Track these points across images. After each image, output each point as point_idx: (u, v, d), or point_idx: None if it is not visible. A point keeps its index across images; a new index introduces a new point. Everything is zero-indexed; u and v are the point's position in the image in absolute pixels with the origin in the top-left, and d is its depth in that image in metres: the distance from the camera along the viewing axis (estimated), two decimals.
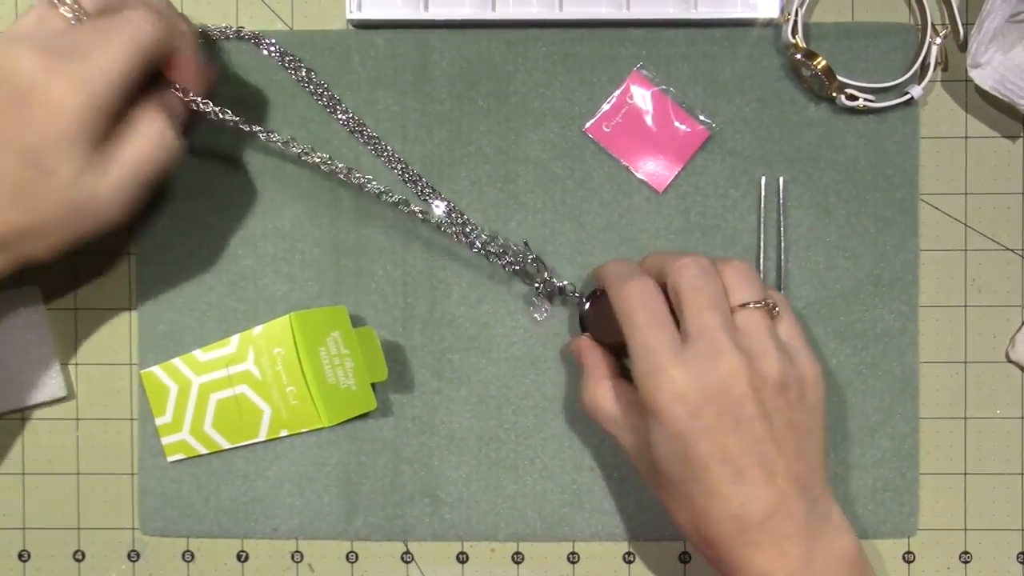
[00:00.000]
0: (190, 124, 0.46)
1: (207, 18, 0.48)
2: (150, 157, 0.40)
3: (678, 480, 0.38)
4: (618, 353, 0.44)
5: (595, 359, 0.44)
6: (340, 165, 0.45)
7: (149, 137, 0.40)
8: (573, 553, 0.48)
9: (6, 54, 0.37)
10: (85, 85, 0.37)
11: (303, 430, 0.46)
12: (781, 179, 0.47)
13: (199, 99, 0.43)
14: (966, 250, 0.48)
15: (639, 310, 0.39)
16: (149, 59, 0.39)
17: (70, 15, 0.39)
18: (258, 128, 0.44)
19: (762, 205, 0.47)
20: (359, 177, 0.45)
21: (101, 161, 0.38)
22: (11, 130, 0.37)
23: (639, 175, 0.48)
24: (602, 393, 0.42)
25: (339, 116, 0.47)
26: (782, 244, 0.47)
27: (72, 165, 0.37)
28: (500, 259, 0.46)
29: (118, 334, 0.48)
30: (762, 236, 0.47)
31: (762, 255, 0.47)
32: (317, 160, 0.45)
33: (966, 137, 0.48)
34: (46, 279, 0.48)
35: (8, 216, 0.38)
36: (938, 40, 0.47)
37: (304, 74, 0.47)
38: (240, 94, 0.47)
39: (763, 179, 0.47)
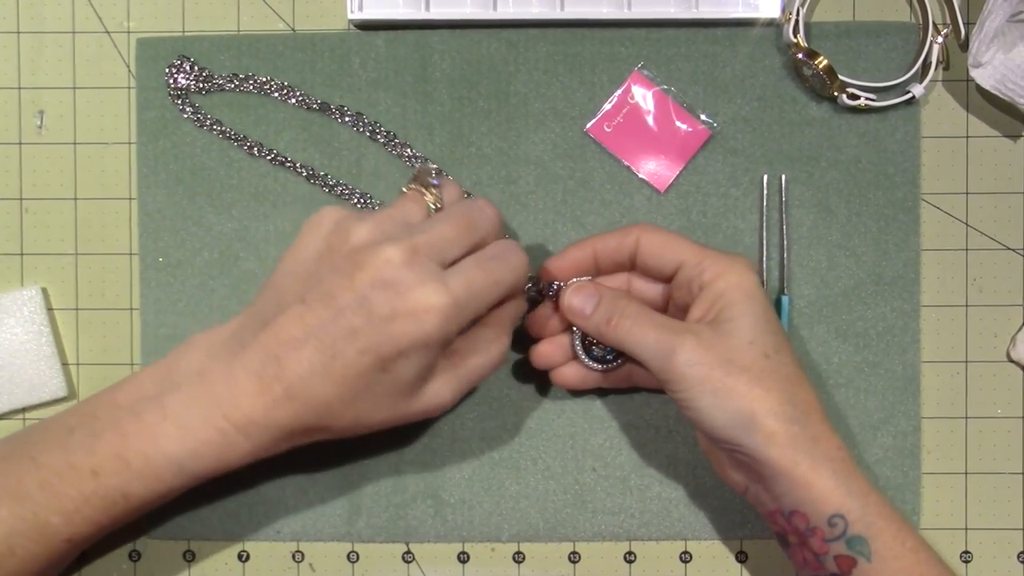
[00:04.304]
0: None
1: (208, 19, 0.48)
2: (487, 370, 0.42)
3: None
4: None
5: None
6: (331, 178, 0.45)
7: (491, 355, 0.41)
8: (574, 553, 0.48)
9: (378, 255, 0.37)
10: (457, 304, 0.37)
11: None
12: (783, 177, 0.47)
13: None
14: (967, 249, 0.48)
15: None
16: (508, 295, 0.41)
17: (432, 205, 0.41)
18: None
19: (764, 204, 0.47)
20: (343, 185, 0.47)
21: (445, 368, 0.40)
22: (375, 333, 0.37)
23: (640, 175, 0.48)
24: None
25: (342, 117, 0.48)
26: (784, 243, 0.47)
27: (418, 371, 0.38)
28: None
29: (120, 334, 0.48)
30: (764, 235, 0.47)
31: (764, 254, 0.47)
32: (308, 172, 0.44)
33: (967, 137, 0.48)
34: (49, 279, 0.48)
35: (345, 411, 0.38)
36: (939, 39, 0.47)
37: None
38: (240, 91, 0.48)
39: (765, 177, 0.47)
